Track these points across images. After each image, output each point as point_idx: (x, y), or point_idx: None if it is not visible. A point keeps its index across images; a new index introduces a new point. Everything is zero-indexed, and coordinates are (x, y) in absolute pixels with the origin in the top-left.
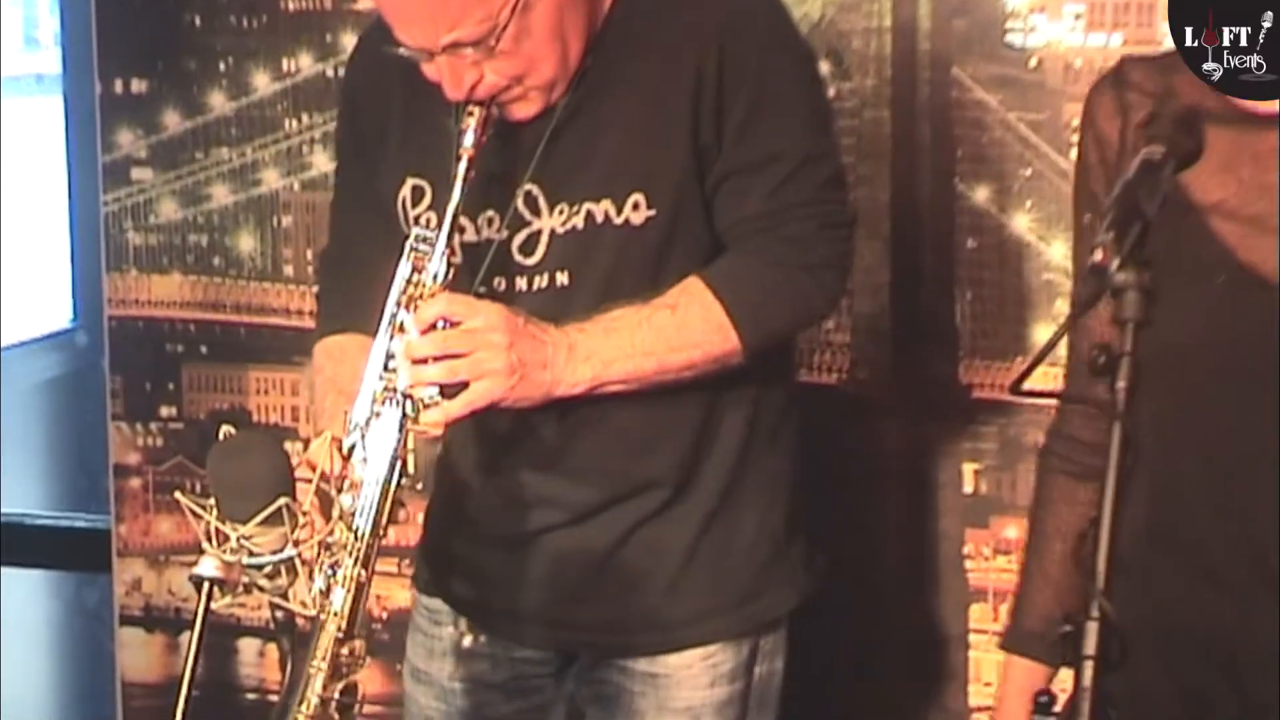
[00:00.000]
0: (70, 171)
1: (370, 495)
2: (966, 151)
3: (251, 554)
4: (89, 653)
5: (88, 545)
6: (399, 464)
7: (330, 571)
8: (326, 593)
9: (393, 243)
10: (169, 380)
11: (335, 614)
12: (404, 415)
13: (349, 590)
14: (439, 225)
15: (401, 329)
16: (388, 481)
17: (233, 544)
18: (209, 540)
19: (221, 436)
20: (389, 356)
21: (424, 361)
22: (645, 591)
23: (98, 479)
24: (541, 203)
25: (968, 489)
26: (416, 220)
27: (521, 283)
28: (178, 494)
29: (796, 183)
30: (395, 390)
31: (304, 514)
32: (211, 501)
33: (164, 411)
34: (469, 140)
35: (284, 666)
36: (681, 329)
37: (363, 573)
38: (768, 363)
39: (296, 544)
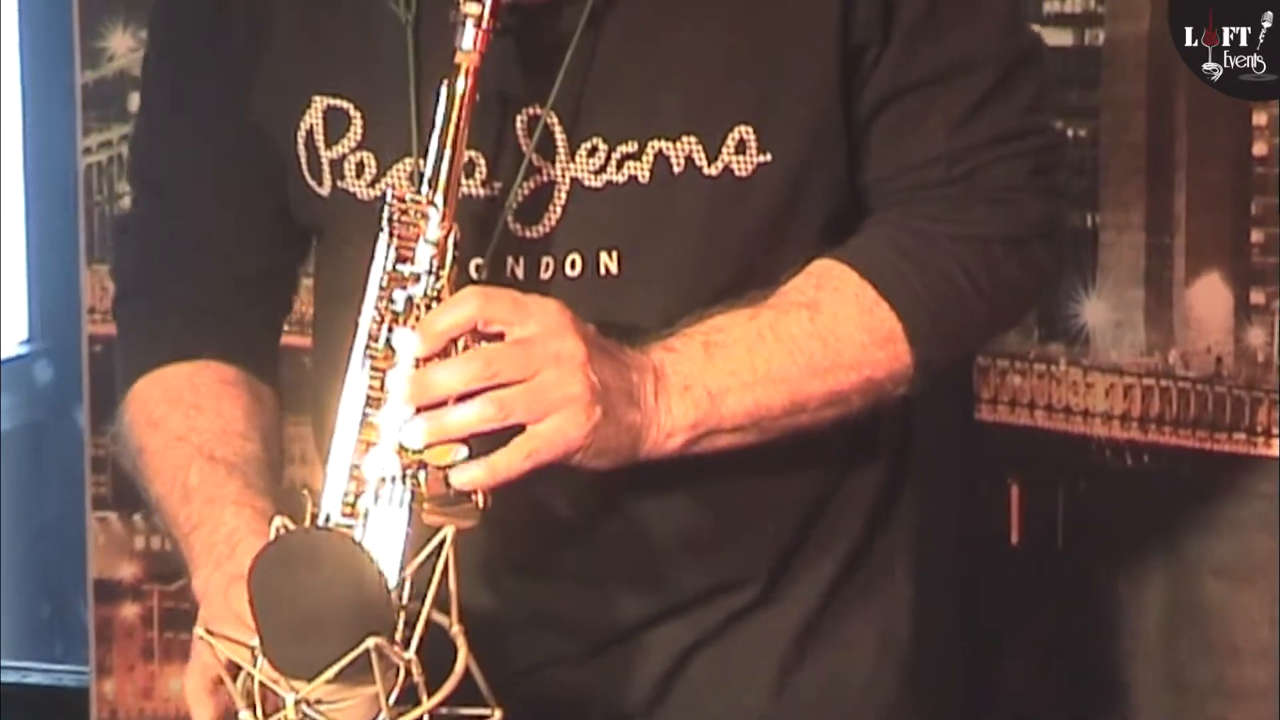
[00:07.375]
0: (24, 94)
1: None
2: None
3: None
4: None
5: (52, 712)
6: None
7: None
8: None
9: (264, 210)
10: None
11: None
12: (413, 496)
13: None
14: (422, 181)
15: (389, 355)
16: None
17: (290, 713)
18: (253, 707)
19: (273, 534)
20: (369, 401)
21: (443, 404)
22: None
23: (67, 605)
24: (558, 138)
25: None
26: (338, 167)
27: (518, 267)
28: (199, 629)
29: (1000, 105)
30: (395, 456)
31: (405, 662)
32: (256, 642)
33: None
34: (468, 38)
35: None
36: (828, 341)
37: None
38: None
39: (397, 715)
